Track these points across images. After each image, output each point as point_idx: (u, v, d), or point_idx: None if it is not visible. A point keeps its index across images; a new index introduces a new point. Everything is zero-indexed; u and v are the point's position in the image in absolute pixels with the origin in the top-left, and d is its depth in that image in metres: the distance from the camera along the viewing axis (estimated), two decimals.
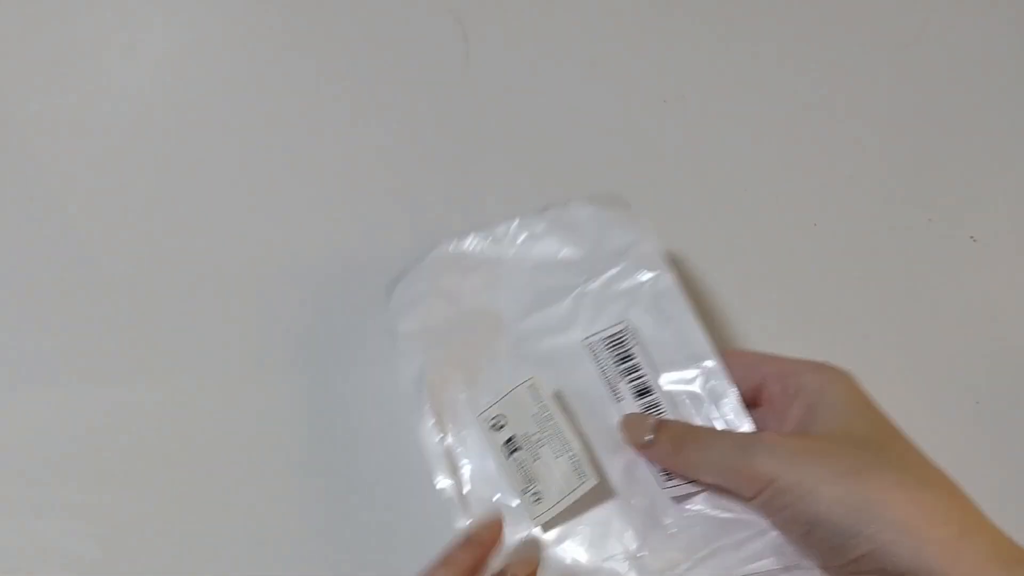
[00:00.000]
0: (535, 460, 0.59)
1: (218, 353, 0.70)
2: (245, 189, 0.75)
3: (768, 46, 0.82)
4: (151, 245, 0.72)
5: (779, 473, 0.52)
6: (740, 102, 0.80)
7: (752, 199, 0.76)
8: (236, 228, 0.73)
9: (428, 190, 0.75)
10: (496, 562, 0.58)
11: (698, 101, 0.80)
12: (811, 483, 0.52)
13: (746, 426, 0.58)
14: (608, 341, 0.62)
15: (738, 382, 0.59)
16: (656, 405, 0.60)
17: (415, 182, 0.75)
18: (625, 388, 0.61)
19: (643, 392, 0.61)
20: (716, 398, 0.59)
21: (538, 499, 0.59)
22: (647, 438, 0.58)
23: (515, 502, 0.60)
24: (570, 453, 0.59)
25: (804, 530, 0.52)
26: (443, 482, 0.62)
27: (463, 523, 0.60)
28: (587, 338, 0.63)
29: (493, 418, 0.61)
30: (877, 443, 0.54)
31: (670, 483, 0.58)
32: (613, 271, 0.64)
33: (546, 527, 0.59)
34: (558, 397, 0.62)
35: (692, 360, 0.61)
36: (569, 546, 0.59)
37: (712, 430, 0.59)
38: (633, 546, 0.58)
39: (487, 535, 0.58)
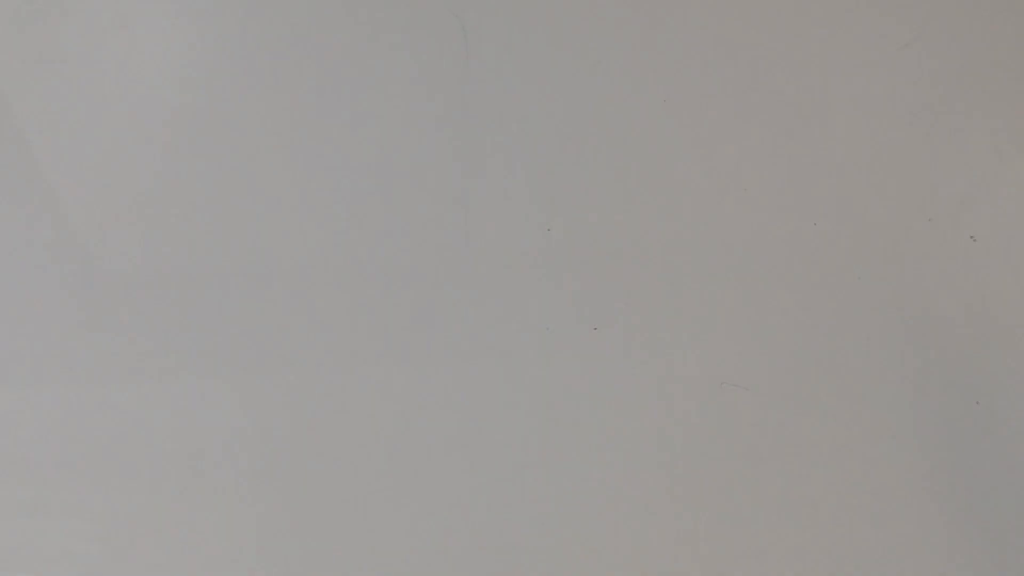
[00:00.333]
0: None
1: (218, 353, 0.70)
2: (245, 188, 0.75)
3: (768, 46, 0.82)
4: (151, 245, 0.72)
5: None
6: (740, 102, 0.80)
7: (752, 199, 0.76)
8: (236, 227, 0.73)
9: (428, 190, 0.75)
10: None
11: (698, 101, 0.80)
12: None
13: None
14: None
15: None
16: None
17: (415, 182, 0.75)
18: None
19: None
20: None
21: None
22: None
23: None
24: None
25: None
26: None
27: None
28: None
29: None
30: None
31: None
32: None
33: None
34: None
35: None
36: None
37: None
38: None
39: None
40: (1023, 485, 0.69)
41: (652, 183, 0.76)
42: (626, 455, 0.69)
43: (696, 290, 0.73)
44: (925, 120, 0.80)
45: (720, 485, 0.69)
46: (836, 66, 0.82)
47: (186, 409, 0.69)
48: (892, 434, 0.70)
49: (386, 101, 0.78)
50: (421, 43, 0.80)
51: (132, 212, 0.74)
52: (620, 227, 0.75)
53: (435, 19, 0.81)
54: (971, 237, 0.76)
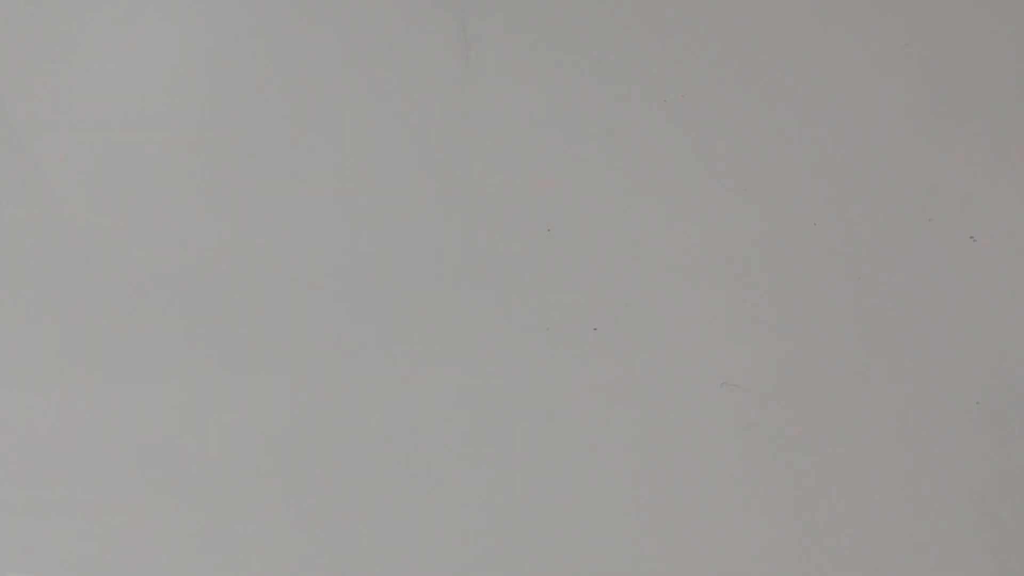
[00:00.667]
0: None
1: (218, 353, 0.70)
2: (245, 189, 0.75)
3: (768, 46, 0.82)
4: (151, 245, 0.72)
5: None
6: (740, 102, 0.80)
7: (751, 199, 0.76)
8: (236, 228, 0.73)
9: (428, 190, 0.75)
10: None
11: (698, 101, 0.80)
12: None
13: None
14: None
15: None
16: None
17: (415, 182, 0.75)
18: None
19: None
20: None
21: None
22: None
23: None
24: None
25: None
26: None
27: None
28: None
29: None
30: None
31: None
32: None
33: None
34: None
35: None
36: None
37: None
38: None
39: None
40: (1023, 485, 0.69)
41: (652, 183, 0.76)
42: (626, 455, 0.69)
43: (696, 290, 0.73)
44: (925, 120, 0.80)
45: (720, 485, 0.69)
46: (836, 66, 0.82)
47: (186, 409, 0.69)
48: (892, 434, 0.70)
49: (386, 101, 0.78)
50: (421, 44, 0.80)
51: (132, 212, 0.74)
52: (620, 227, 0.75)
53: (435, 20, 0.81)
54: (971, 237, 0.76)
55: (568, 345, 0.71)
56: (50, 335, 0.70)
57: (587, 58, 0.81)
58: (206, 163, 0.76)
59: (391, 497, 0.67)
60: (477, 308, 0.72)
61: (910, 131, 0.80)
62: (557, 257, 0.74)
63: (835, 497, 0.69)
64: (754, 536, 0.68)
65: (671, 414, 0.70)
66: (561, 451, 0.69)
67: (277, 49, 0.80)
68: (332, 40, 0.80)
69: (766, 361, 0.71)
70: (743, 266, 0.74)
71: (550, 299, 0.73)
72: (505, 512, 0.68)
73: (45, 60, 0.78)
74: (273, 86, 0.78)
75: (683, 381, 0.70)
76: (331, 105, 0.78)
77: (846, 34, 0.83)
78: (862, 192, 0.77)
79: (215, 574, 0.65)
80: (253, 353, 0.70)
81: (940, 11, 0.84)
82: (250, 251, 0.73)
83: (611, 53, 0.81)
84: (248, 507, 0.66)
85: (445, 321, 0.72)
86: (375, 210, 0.74)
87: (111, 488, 0.66)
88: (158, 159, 0.75)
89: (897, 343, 0.73)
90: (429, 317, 0.72)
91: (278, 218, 0.74)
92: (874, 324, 0.73)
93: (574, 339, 0.72)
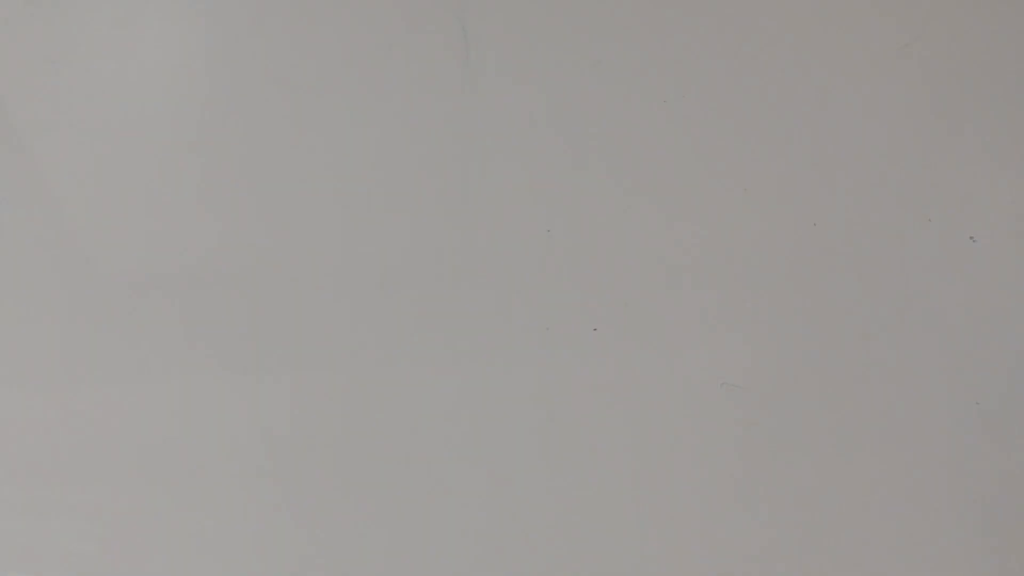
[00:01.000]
0: None
1: (218, 353, 0.70)
2: (244, 188, 0.75)
3: (768, 46, 0.82)
4: (151, 245, 0.72)
5: None
6: (740, 102, 0.80)
7: (752, 199, 0.76)
8: (236, 228, 0.73)
9: (428, 191, 0.75)
10: None
11: (698, 101, 0.80)
12: None
13: None
14: None
15: None
16: None
17: (415, 183, 0.75)
18: None
19: None
20: None
21: None
22: None
23: None
24: None
25: None
26: None
27: None
28: None
29: None
30: None
31: None
32: None
33: None
34: None
35: None
36: None
37: None
38: None
39: None
40: (1023, 485, 0.69)
41: (652, 183, 0.76)
42: (626, 455, 0.69)
43: (696, 290, 0.73)
44: (925, 120, 0.80)
45: (720, 485, 0.69)
46: (836, 66, 0.82)
47: (186, 409, 0.69)
48: (892, 434, 0.70)
49: (386, 102, 0.78)
50: (421, 44, 0.80)
51: (132, 212, 0.74)
52: (620, 227, 0.75)
53: (435, 20, 0.81)
54: (971, 238, 0.76)
55: (568, 345, 0.71)
56: (50, 335, 0.70)
57: (587, 58, 0.81)
58: (206, 163, 0.76)
59: (391, 497, 0.67)
60: (477, 308, 0.72)
61: (910, 131, 0.80)
62: (557, 258, 0.74)
63: (835, 497, 0.69)
64: (754, 536, 0.68)
65: (671, 414, 0.70)
66: (561, 451, 0.69)
67: (277, 49, 0.80)
68: (332, 40, 0.80)
69: (765, 361, 0.71)
70: (743, 266, 0.74)
71: (550, 299, 0.73)
72: (505, 512, 0.68)
73: (45, 60, 0.78)
74: (273, 86, 0.78)
75: (683, 381, 0.70)
76: (331, 105, 0.78)
77: (846, 34, 0.83)
78: (862, 192, 0.77)
79: (215, 574, 0.65)
80: (253, 353, 0.70)
81: (940, 11, 0.84)
82: (250, 251, 0.73)
83: (611, 53, 0.81)
84: (248, 507, 0.66)
85: (445, 322, 0.72)
86: (375, 210, 0.74)
87: (111, 488, 0.66)
88: (158, 159, 0.75)
89: (896, 343, 0.73)
90: (429, 318, 0.72)
91: (278, 218, 0.74)
92: (874, 324, 0.73)
93: (574, 339, 0.72)
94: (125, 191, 0.74)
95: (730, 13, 0.83)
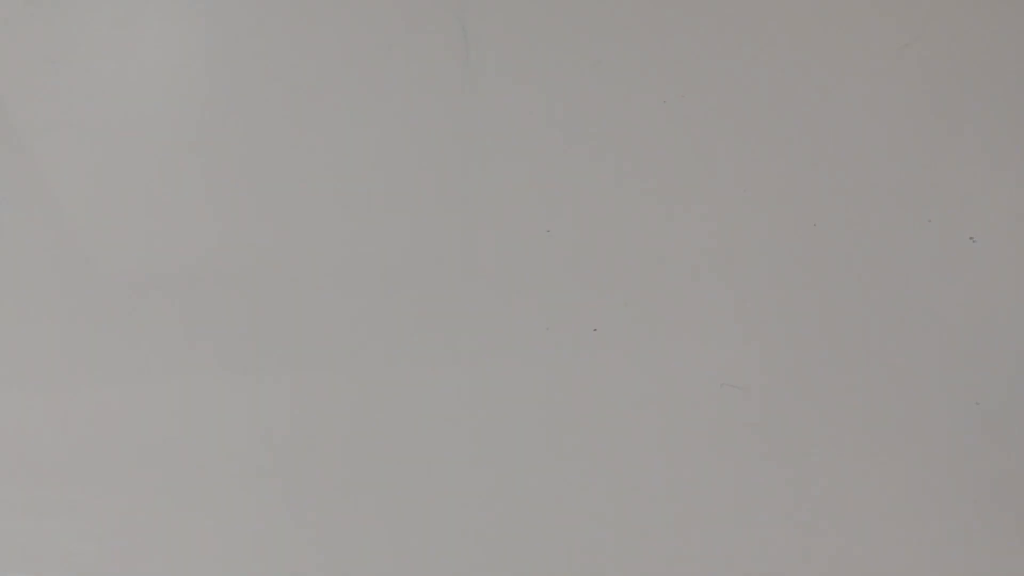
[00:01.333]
0: None
1: (218, 353, 0.70)
2: (244, 188, 0.75)
3: (768, 46, 0.82)
4: (151, 245, 0.72)
5: None
6: (740, 102, 0.80)
7: (751, 199, 0.76)
8: (236, 228, 0.73)
9: (429, 191, 0.75)
10: None
11: (698, 101, 0.80)
12: None
13: None
14: None
15: None
16: None
17: (415, 183, 0.75)
18: None
19: None
20: None
21: None
22: None
23: None
24: None
25: None
26: None
27: None
28: None
29: None
30: None
31: None
32: None
33: None
34: None
35: None
36: None
37: None
38: None
39: None
40: (1023, 485, 0.69)
41: (652, 183, 0.76)
42: (626, 456, 0.69)
43: (696, 291, 0.73)
44: (925, 120, 0.80)
45: (720, 485, 0.69)
46: (836, 66, 0.82)
47: (186, 409, 0.69)
48: (892, 434, 0.70)
49: (386, 102, 0.78)
50: (421, 44, 0.80)
51: (132, 212, 0.74)
52: (620, 227, 0.75)
53: (435, 20, 0.81)
54: (971, 238, 0.76)
55: (568, 345, 0.71)
56: (50, 335, 0.70)
57: (587, 58, 0.81)
58: (206, 163, 0.76)
59: (391, 497, 0.67)
60: (477, 308, 0.72)
61: (910, 131, 0.80)
62: (557, 258, 0.74)
63: (835, 497, 0.69)
64: (754, 536, 0.68)
65: (671, 415, 0.70)
66: (561, 451, 0.69)
67: (277, 49, 0.80)
68: (332, 40, 0.80)
69: (765, 362, 0.71)
70: (743, 267, 0.74)
71: (550, 299, 0.73)
72: (505, 511, 0.68)
73: (45, 60, 0.78)
74: (273, 86, 0.78)
75: (683, 382, 0.71)
76: (331, 105, 0.78)
77: (846, 34, 0.83)
78: (862, 192, 0.77)
79: (215, 574, 0.65)
80: (253, 353, 0.70)
81: (940, 11, 0.84)
82: (250, 251, 0.73)
83: (611, 53, 0.81)
84: (248, 507, 0.66)
85: (445, 321, 0.72)
86: (375, 210, 0.74)
87: (111, 488, 0.66)
88: (158, 159, 0.75)
89: (897, 343, 0.73)
90: (429, 317, 0.72)
91: (278, 218, 0.74)
92: (874, 324, 0.73)
93: (574, 339, 0.72)
94: (125, 191, 0.74)
95: (730, 13, 0.83)
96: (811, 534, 0.68)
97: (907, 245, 0.76)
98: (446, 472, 0.68)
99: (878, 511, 0.69)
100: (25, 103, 0.76)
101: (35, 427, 0.67)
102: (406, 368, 0.71)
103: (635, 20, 0.83)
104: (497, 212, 0.74)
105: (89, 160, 0.75)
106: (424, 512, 0.66)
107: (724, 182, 0.77)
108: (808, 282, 0.74)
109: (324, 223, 0.74)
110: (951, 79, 0.82)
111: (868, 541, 0.68)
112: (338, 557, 0.65)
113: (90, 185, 0.74)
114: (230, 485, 0.66)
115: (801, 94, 0.81)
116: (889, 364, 0.72)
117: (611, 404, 0.70)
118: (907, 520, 0.69)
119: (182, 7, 0.81)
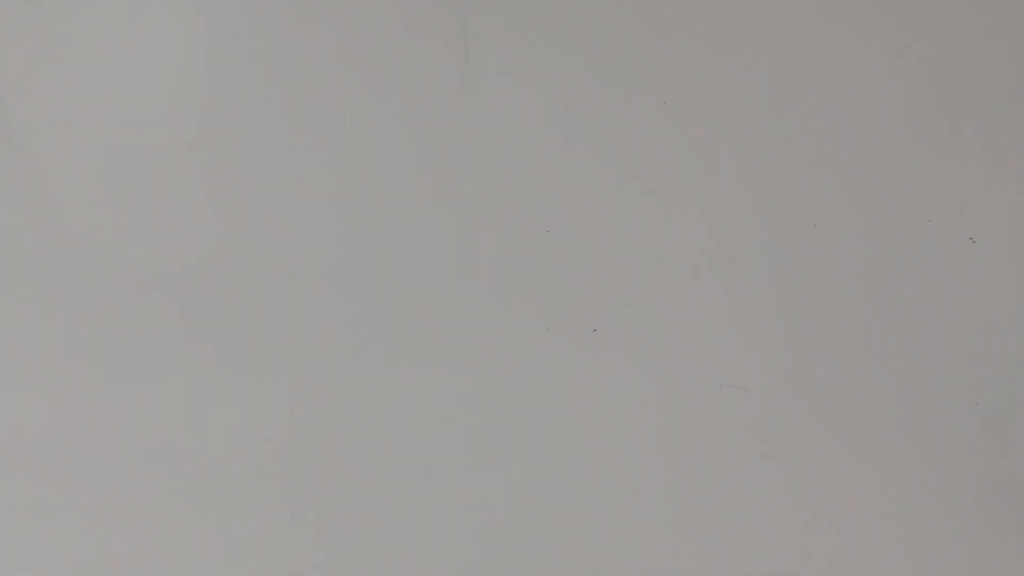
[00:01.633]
0: None
1: (218, 353, 0.70)
2: (244, 188, 0.75)
3: (768, 46, 0.82)
4: (151, 244, 0.72)
5: None
6: (740, 102, 0.80)
7: (751, 200, 0.76)
8: (236, 229, 0.73)
9: (429, 191, 0.75)
10: None
11: (698, 102, 0.80)
12: None
13: None
14: None
15: None
16: None
17: (415, 183, 0.75)
18: None
19: None
20: None
21: None
22: None
23: None
24: None
25: None
26: None
27: None
28: None
29: None
30: None
31: None
32: None
33: None
34: None
35: None
36: None
37: None
38: None
39: None
40: (1023, 485, 0.69)
41: (652, 184, 0.76)
42: (626, 455, 0.69)
43: (696, 291, 0.73)
44: (925, 120, 0.80)
45: (720, 485, 0.69)
46: (836, 66, 0.82)
47: (186, 409, 0.69)
48: (892, 434, 0.70)
49: (386, 102, 0.78)
50: (421, 44, 0.80)
51: (132, 212, 0.74)
52: (620, 227, 0.75)
53: (435, 20, 0.81)
54: (970, 238, 0.77)
55: (568, 345, 0.71)
56: (50, 335, 0.70)
57: (587, 58, 0.81)
58: (206, 163, 0.76)
59: (391, 497, 0.67)
60: (477, 308, 0.72)
61: (910, 131, 0.80)
62: (557, 258, 0.74)
63: (835, 497, 0.69)
64: (754, 536, 0.68)
65: (671, 415, 0.70)
66: (561, 451, 0.69)
67: (277, 49, 0.80)
68: (332, 40, 0.80)
69: (765, 362, 0.72)
70: (742, 267, 0.74)
71: (550, 299, 0.73)
72: (505, 512, 0.68)
73: (45, 60, 0.78)
74: (273, 86, 0.78)
75: (683, 382, 0.71)
76: (331, 105, 0.78)
77: (846, 34, 0.83)
78: (862, 192, 0.77)
79: (215, 574, 0.65)
80: (253, 353, 0.70)
81: (940, 11, 0.84)
82: (250, 251, 0.73)
83: (611, 53, 0.81)
84: (248, 507, 0.66)
85: (445, 321, 0.72)
86: (375, 210, 0.74)
87: (111, 488, 0.66)
88: (158, 159, 0.75)
89: (897, 343, 0.73)
90: (429, 317, 0.72)
91: (278, 218, 0.74)
92: (873, 325, 0.73)
93: (574, 339, 0.72)
94: (125, 191, 0.74)
95: (730, 13, 0.83)
96: (811, 534, 0.68)
97: (907, 245, 0.76)
98: (446, 472, 0.68)
99: (878, 511, 0.69)
100: (25, 103, 0.76)
101: (35, 427, 0.67)
102: (406, 368, 0.71)
103: (635, 20, 0.83)
104: (497, 212, 0.74)
105: (89, 160, 0.75)
106: (424, 512, 0.66)
107: (724, 182, 0.77)
108: (808, 282, 0.74)
109: (324, 223, 0.74)
110: (951, 79, 0.82)
111: (868, 541, 0.68)
112: (338, 557, 0.65)
113: (90, 185, 0.74)
114: (230, 485, 0.66)
115: (801, 94, 0.81)
116: (889, 364, 0.72)
117: (611, 404, 0.70)
118: (907, 520, 0.69)
119: (182, 7, 0.81)
